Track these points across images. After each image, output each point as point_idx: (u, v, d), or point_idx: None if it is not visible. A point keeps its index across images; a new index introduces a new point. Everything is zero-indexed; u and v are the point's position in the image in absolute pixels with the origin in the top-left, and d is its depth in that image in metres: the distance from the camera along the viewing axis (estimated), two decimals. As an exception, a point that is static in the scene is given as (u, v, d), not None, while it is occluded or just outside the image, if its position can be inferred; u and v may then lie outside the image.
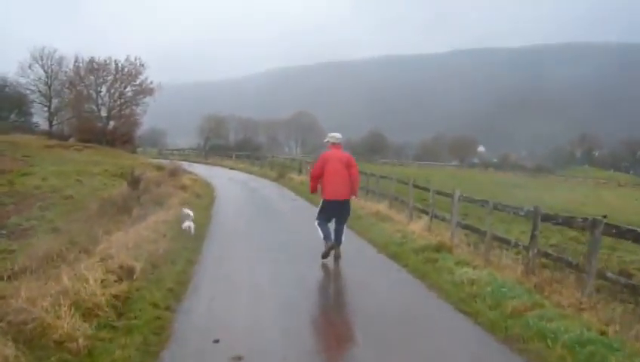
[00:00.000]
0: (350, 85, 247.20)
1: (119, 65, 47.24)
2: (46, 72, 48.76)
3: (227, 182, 28.80)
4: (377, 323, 6.12)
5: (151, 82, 48.27)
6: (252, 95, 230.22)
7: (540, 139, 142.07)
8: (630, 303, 6.63)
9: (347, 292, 7.88)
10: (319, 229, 9.68)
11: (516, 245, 8.86)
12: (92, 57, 47.47)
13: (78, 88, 47.57)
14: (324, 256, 9.45)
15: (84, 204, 15.97)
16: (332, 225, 9.76)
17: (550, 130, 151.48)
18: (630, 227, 6.36)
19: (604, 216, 6.87)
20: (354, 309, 6.78)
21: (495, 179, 50.42)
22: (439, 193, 13.13)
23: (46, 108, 49.97)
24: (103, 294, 5.87)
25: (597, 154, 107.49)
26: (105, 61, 47.29)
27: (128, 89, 48.40)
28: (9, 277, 7.21)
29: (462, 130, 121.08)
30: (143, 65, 47.77)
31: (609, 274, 6.72)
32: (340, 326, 6.19)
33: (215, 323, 5.95)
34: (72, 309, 5.21)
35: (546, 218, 8.03)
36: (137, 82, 48.06)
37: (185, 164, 34.61)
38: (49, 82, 48.89)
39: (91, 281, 6.06)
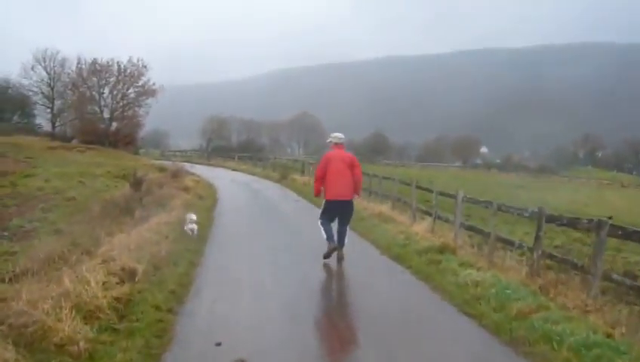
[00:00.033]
0: (351, 86, 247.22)
1: (122, 66, 47.36)
2: (49, 73, 48.89)
3: (230, 183, 28.79)
4: (381, 325, 6.07)
5: (153, 83, 48.39)
6: (253, 96, 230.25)
7: (542, 139, 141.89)
8: (636, 305, 6.58)
9: (350, 295, 7.83)
10: (322, 229, 9.65)
11: (520, 246, 8.80)
12: (95, 59, 47.62)
13: (80, 90, 47.63)
14: (326, 256, 9.44)
15: (86, 205, 15.94)
16: (335, 226, 9.72)
17: (552, 130, 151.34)
18: (636, 228, 6.30)
19: (610, 218, 6.82)
20: (357, 311, 6.72)
21: (498, 180, 50.36)
22: (442, 194, 13.09)
23: (49, 110, 50.08)
24: (105, 296, 5.81)
25: (600, 154, 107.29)
26: (107, 62, 47.41)
27: (131, 90, 48.46)
28: (10, 280, 7.16)
29: (463, 130, 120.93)
30: (145, 67, 47.89)
31: (615, 276, 6.66)
32: (343, 328, 6.13)
33: (217, 326, 5.91)
34: (73, 312, 5.16)
35: (551, 219, 7.97)
36: (140, 83, 48.16)
37: (187, 166, 34.62)
38: (52, 84, 48.99)
39: (93, 283, 6.01)
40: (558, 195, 34.31)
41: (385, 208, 16.11)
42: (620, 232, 6.46)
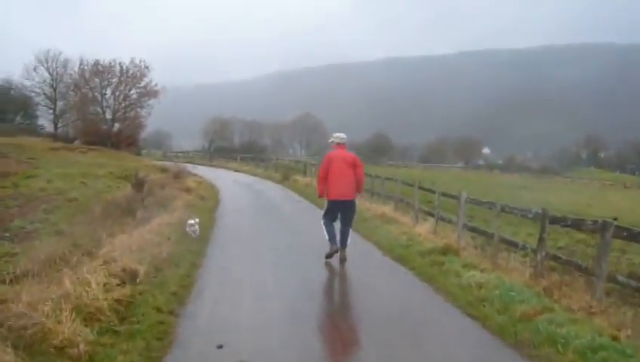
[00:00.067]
0: (352, 87, 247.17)
1: (124, 67, 47.39)
2: (51, 74, 48.81)
3: (232, 184, 28.75)
4: (383, 327, 6.02)
5: (155, 84, 48.42)
6: (254, 97, 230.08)
7: (543, 140, 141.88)
8: (641, 307, 6.51)
9: (352, 296, 7.78)
10: (324, 230, 9.66)
11: (524, 248, 8.74)
12: (97, 60, 47.65)
13: (83, 91, 47.65)
14: (328, 256, 9.45)
15: (88, 206, 15.91)
16: (338, 226, 9.69)
17: (553, 130, 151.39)
18: (641, 229, 6.24)
19: (615, 219, 6.76)
20: (359, 313, 6.66)
21: (500, 181, 50.27)
22: (445, 195, 13.03)
23: (51, 111, 50.03)
24: (105, 298, 5.78)
25: (602, 155, 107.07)
26: (110, 63, 47.44)
27: (133, 91, 48.50)
28: (11, 281, 7.12)
29: (465, 130, 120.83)
30: (147, 68, 47.93)
31: (620, 278, 6.59)
32: (345, 330, 6.08)
33: (219, 328, 5.86)
34: (74, 314, 5.13)
35: (555, 220, 7.91)
36: (142, 84, 48.18)
37: (189, 167, 34.65)
38: (54, 85, 48.95)
39: (94, 285, 5.98)
40: (561, 196, 34.22)
41: (387, 209, 16.07)
42: (625, 233, 6.40)
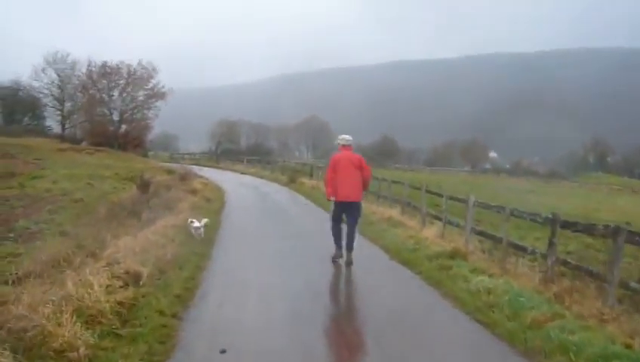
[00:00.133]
0: (357, 90, 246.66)
1: (131, 69, 47.53)
2: (59, 75, 48.97)
3: (238, 186, 28.70)
4: (390, 331, 5.91)
5: (163, 86, 48.53)
6: (259, 100, 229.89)
7: (550, 143, 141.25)
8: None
9: (359, 300, 7.65)
10: (331, 233, 9.67)
11: (533, 252, 8.60)
12: (105, 61, 47.82)
13: (90, 92, 47.85)
14: (333, 259, 9.51)
15: (93, 207, 15.87)
16: (345, 229, 9.61)
17: (559, 134, 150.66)
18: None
19: (628, 223, 6.62)
20: (366, 318, 6.55)
21: (508, 185, 49.95)
22: (453, 198, 12.89)
23: (59, 112, 50.19)
24: (108, 301, 5.69)
25: (610, 159, 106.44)
26: (117, 65, 47.61)
27: (140, 93, 48.65)
28: (13, 282, 7.04)
29: (471, 134, 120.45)
30: (154, 70, 48.05)
31: (632, 284, 6.45)
32: (351, 335, 5.97)
33: (223, 332, 5.76)
34: (75, 316, 5.04)
35: (565, 225, 7.77)
36: (149, 86, 48.33)
37: (196, 168, 34.65)
38: (62, 86, 49.11)
39: (96, 287, 5.90)
40: (569, 201, 33.99)
41: (394, 212, 15.95)
42: (637, 239, 6.29)
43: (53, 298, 5.38)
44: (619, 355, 4.80)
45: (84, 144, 45.25)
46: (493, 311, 6.45)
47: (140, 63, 47.67)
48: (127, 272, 6.87)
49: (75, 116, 51.11)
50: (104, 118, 48.37)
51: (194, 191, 20.35)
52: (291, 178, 31.58)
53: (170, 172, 29.60)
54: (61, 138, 46.74)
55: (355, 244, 9.53)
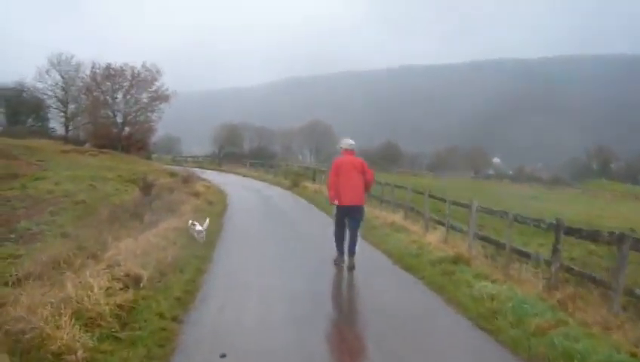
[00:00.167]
0: (360, 95, 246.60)
1: (135, 71, 47.59)
2: (63, 77, 49.11)
3: (240, 189, 28.66)
4: (392, 337, 5.85)
5: (166, 89, 48.58)
6: (262, 104, 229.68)
7: (553, 150, 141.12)
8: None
9: (360, 305, 7.60)
10: (334, 237, 9.70)
11: (537, 259, 8.52)
12: (109, 63, 47.90)
13: (94, 94, 47.94)
14: (336, 263, 9.54)
15: (95, 209, 15.81)
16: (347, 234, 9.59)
17: (563, 140, 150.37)
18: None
19: (632, 230, 6.55)
20: (368, 323, 6.50)
21: (511, 191, 49.85)
22: (456, 204, 12.82)
23: (62, 114, 50.34)
24: (107, 303, 5.65)
25: (614, 166, 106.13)
26: (121, 67, 47.68)
27: (144, 95, 48.72)
28: (13, 284, 7.00)
29: (474, 139, 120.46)
30: (158, 72, 48.12)
31: (637, 291, 6.37)
32: (353, 341, 5.92)
33: (223, 336, 5.71)
34: (73, 319, 4.99)
35: (570, 231, 7.70)
36: (153, 88, 48.38)
37: (198, 171, 34.63)
38: (66, 88, 49.24)
39: (96, 289, 5.86)
40: (572, 207, 33.88)
41: (397, 217, 15.90)
42: (643, 246, 6.20)
43: (53, 300, 5.33)
44: (624, 364, 4.74)
45: (87, 146, 45.23)
46: (496, 318, 6.38)
47: (144, 66, 47.81)
48: (127, 275, 6.82)
49: (78, 118, 51.26)
50: (108, 120, 48.46)
51: (196, 194, 20.32)
52: (294, 182, 31.53)
53: (172, 174, 29.56)
54: (64, 140, 46.78)
55: (356, 249, 9.49)
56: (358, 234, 9.67)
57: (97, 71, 47.80)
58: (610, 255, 8.00)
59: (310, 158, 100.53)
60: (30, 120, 51.74)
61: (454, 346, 5.79)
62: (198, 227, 11.31)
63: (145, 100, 48.87)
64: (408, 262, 9.96)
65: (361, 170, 9.57)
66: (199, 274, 8.42)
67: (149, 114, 49.54)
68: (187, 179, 25.76)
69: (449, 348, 5.73)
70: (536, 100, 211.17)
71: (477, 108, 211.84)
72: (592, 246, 12.90)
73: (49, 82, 48.73)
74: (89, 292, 5.70)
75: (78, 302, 5.43)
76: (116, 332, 5.25)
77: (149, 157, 50.16)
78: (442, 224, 13.04)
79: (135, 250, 8.44)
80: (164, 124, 54.69)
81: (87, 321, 5.19)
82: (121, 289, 6.32)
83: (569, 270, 7.69)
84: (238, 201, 21.80)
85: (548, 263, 7.87)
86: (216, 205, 19.23)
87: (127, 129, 48.99)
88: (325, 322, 6.58)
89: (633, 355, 5.01)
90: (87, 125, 50.28)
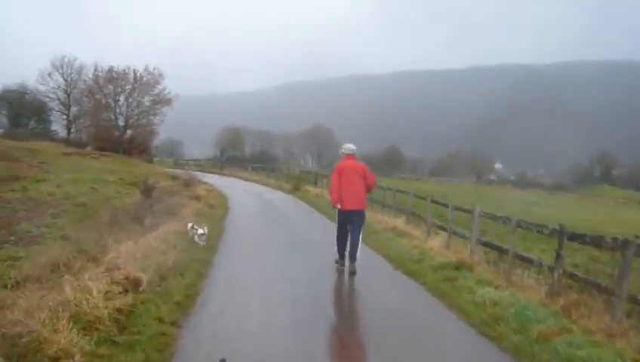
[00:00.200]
0: (362, 99, 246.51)
1: (138, 74, 47.60)
2: (65, 80, 49.21)
3: (242, 193, 28.62)
4: (394, 343, 5.78)
5: (168, 92, 48.60)
6: (264, 108, 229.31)
7: (556, 156, 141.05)
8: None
9: (362, 311, 7.54)
10: (337, 242, 9.75)
11: (540, 265, 8.46)
12: (111, 66, 47.96)
13: (96, 97, 47.97)
14: (337, 264, 9.65)
15: (96, 211, 15.79)
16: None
17: (566, 147, 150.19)
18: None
19: (637, 236, 6.48)
20: (369, 329, 6.43)
21: (513, 196, 49.74)
22: (458, 209, 12.75)
23: (65, 116, 50.42)
24: (106, 307, 5.59)
25: (616, 172, 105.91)
26: (124, 70, 47.71)
27: (146, 98, 48.73)
28: (12, 286, 6.96)
29: (475, 145, 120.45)
30: (161, 75, 48.14)
31: (641, 299, 6.31)
32: (354, 347, 5.85)
33: (223, 341, 5.65)
34: (71, 322, 4.94)
35: (573, 237, 7.64)
36: (155, 92, 48.39)
37: (200, 175, 34.61)
38: (68, 90, 49.33)
39: (95, 293, 5.80)
40: (575, 213, 33.76)
41: (399, 222, 15.82)
42: (647, 252, 6.14)
43: (51, 303, 5.28)
44: (629, 372, 4.68)
45: (89, 148, 45.34)
46: (499, 324, 6.31)
47: (146, 69, 47.84)
48: (126, 278, 6.77)
49: (80, 120, 51.34)
50: (110, 123, 48.49)
51: (198, 198, 20.29)
52: (296, 186, 31.50)
53: (174, 178, 29.58)
54: (66, 142, 46.86)
55: (358, 254, 9.43)
56: (360, 238, 9.62)
57: (100, 74, 47.96)
58: (614, 261, 7.93)
59: (312, 163, 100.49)
60: (32, 122, 51.89)
61: (456, 352, 5.73)
62: (201, 230, 11.26)
63: (147, 103, 48.92)
64: (410, 267, 9.89)
65: (363, 174, 9.60)
66: (200, 278, 8.36)
67: (151, 117, 49.58)
68: (188, 183, 25.75)
69: (451, 354, 5.67)
70: (538, 106, 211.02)
71: (479, 114, 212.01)
72: (595, 253, 12.83)
73: (51, 85, 48.96)
74: (88, 296, 5.65)
75: (76, 306, 5.38)
76: (114, 336, 5.19)
77: (150, 161, 50.19)
78: (444, 229, 12.98)
79: (135, 253, 8.39)
80: (166, 128, 54.73)
81: (86, 325, 5.13)
82: (120, 292, 6.26)
83: (572, 276, 7.63)
84: (239, 205, 21.76)
85: (551, 269, 7.81)
86: (217, 209, 19.19)
87: (129, 132, 49.03)
88: (326, 327, 6.52)
89: (638, 363, 4.94)
90: (90, 128, 50.36)
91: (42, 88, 49.02)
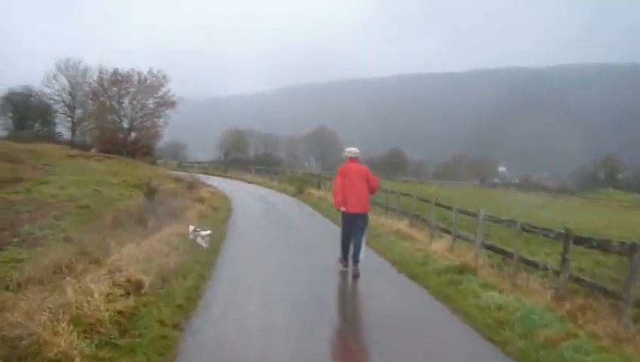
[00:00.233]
0: (366, 102, 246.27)
1: (142, 77, 47.64)
2: (70, 82, 49.25)
3: (245, 195, 28.60)
4: (397, 348, 5.72)
5: (173, 95, 48.62)
6: (266, 111, 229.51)
7: (560, 159, 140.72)
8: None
9: (365, 314, 7.48)
10: (340, 244, 9.76)
11: (545, 268, 8.38)
12: (116, 69, 48.01)
13: (101, 99, 48.02)
14: (340, 264, 9.70)
15: (99, 214, 15.76)
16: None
17: (570, 150, 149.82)
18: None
19: (644, 240, 6.41)
20: (372, 333, 6.37)
21: (517, 200, 49.59)
22: (462, 212, 12.67)
23: (69, 119, 50.49)
24: (107, 309, 5.55)
25: (621, 176, 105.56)
26: (128, 73, 47.75)
27: (150, 101, 48.75)
28: (14, 288, 6.92)
29: (478, 148, 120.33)
30: (165, 78, 48.17)
31: (648, 303, 6.23)
32: (357, 352, 5.78)
33: (224, 345, 5.60)
34: (72, 325, 4.90)
35: (579, 241, 7.55)
36: (159, 94, 48.40)
37: (203, 177, 34.61)
38: (73, 93, 49.39)
39: (96, 295, 5.77)
40: (579, 216, 33.62)
41: (403, 225, 15.75)
42: (655, 256, 6.06)
43: (51, 305, 5.25)
44: (636, 378, 4.60)
45: (93, 151, 45.38)
46: (504, 329, 6.23)
47: (150, 71, 47.86)
48: (128, 280, 6.73)
49: (85, 123, 51.41)
50: (114, 125, 48.53)
51: (201, 200, 20.27)
52: (299, 188, 31.46)
53: (177, 180, 29.56)
54: (71, 144, 46.93)
55: (361, 257, 9.38)
56: (363, 241, 9.57)
57: (104, 76, 47.93)
58: (620, 265, 7.85)
59: (315, 165, 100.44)
60: (37, 124, 51.92)
61: (460, 357, 5.67)
62: (203, 232, 11.21)
63: (151, 106, 48.93)
64: (413, 270, 9.82)
65: (366, 177, 9.58)
66: (202, 280, 8.32)
67: (155, 119, 49.60)
68: (192, 185, 25.74)
69: (454, 359, 5.60)
70: (541, 109, 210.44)
71: (481, 116, 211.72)
72: (600, 257, 12.75)
73: (56, 87, 48.97)
74: (89, 298, 5.62)
75: (77, 308, 5.34)
76: (115, 339, 5.15)
77: (154, 163, 50.21)
78: (448, 232, 12.90)
79: (138, 255, 8.36)
80: (170, 130, 54.76)
81: (86, 327, 5.09)
82: (122, 295, 6.23)
83: (578, 280, 7.55)
84: (242, 207, 21.72)
85: (556, 273, 7.73)
86: (220, 211, 19.16)
87: (133, 134, 49.04)
88: (328, 330, 6.46)
89: (645, 369, 4.87)
90: (94, 130, 50.40)
91: (47, 91, 49.14)
